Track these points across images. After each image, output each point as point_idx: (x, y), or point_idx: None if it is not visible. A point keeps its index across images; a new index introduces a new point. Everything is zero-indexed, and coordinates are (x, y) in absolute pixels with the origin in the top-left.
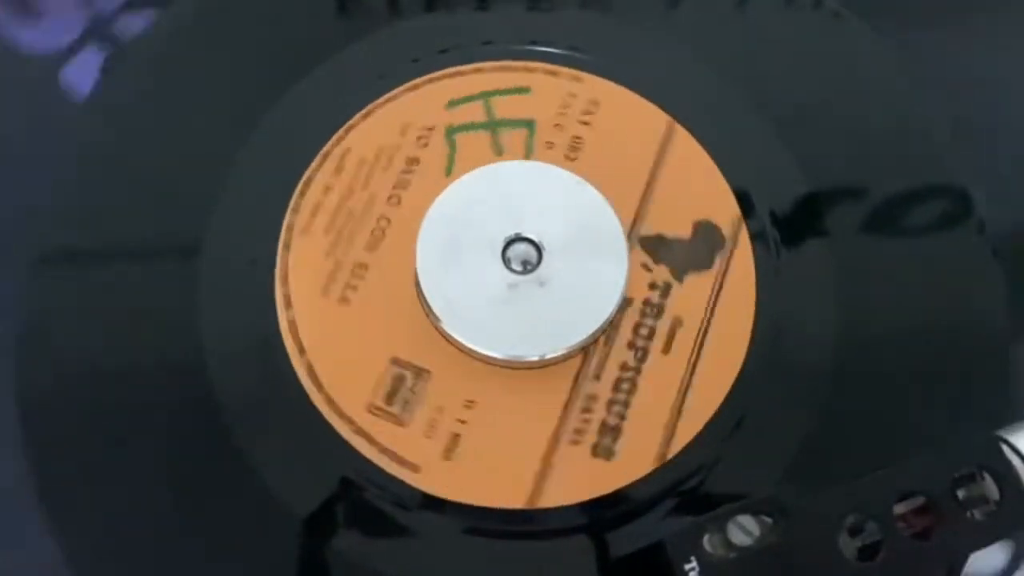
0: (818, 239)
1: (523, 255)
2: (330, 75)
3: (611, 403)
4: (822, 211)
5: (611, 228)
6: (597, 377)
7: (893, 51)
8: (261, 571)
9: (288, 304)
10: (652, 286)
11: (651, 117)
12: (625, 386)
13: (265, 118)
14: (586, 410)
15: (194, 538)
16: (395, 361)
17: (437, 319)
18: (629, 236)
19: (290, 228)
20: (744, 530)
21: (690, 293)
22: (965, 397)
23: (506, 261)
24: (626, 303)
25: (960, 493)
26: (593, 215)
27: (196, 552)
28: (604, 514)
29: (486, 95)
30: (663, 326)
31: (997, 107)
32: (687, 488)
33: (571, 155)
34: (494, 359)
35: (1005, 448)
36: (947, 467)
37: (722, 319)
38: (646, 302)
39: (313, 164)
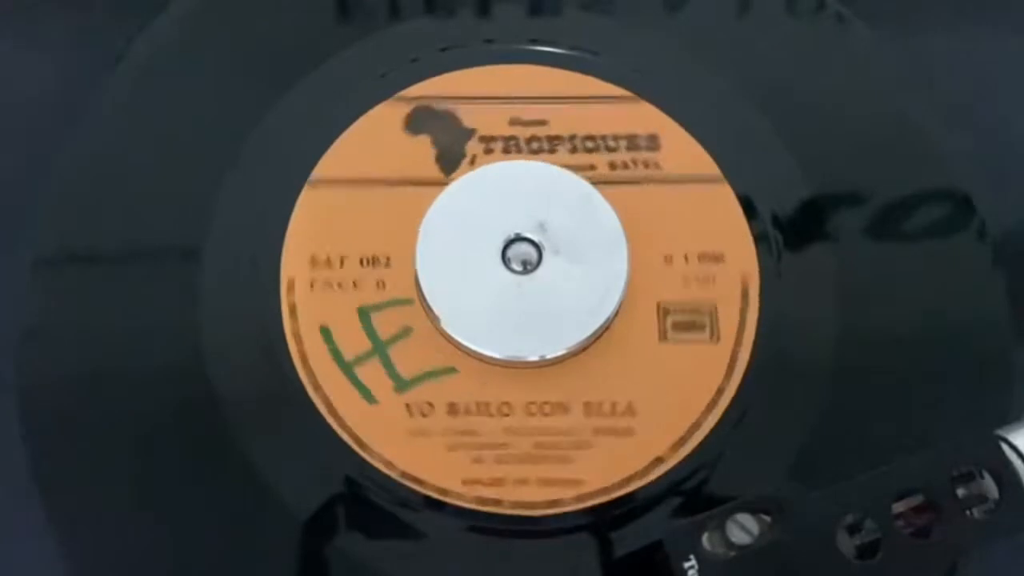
0: (820, 242)
1: (523, 255)
2: (330, 75)
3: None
4: (824, 214)
5: (611, 228)
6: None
7: (896, 55)
8: (261, 567)
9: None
10: None
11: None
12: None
13: (266, 118)
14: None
15: (194, 537)
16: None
17: (437, 319)
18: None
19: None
20: (743, 528)
21: None
22: (965, 398)
23: (506, 261)
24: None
25: (959, 491)
26: (594, 216)
27: (196, 552)
28: (606, 514)
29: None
30: None
31: (999, 111)
32: (688, 488)
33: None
34: (494, 359)
35: (1004, 447)
36: (946, 465)
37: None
38: None
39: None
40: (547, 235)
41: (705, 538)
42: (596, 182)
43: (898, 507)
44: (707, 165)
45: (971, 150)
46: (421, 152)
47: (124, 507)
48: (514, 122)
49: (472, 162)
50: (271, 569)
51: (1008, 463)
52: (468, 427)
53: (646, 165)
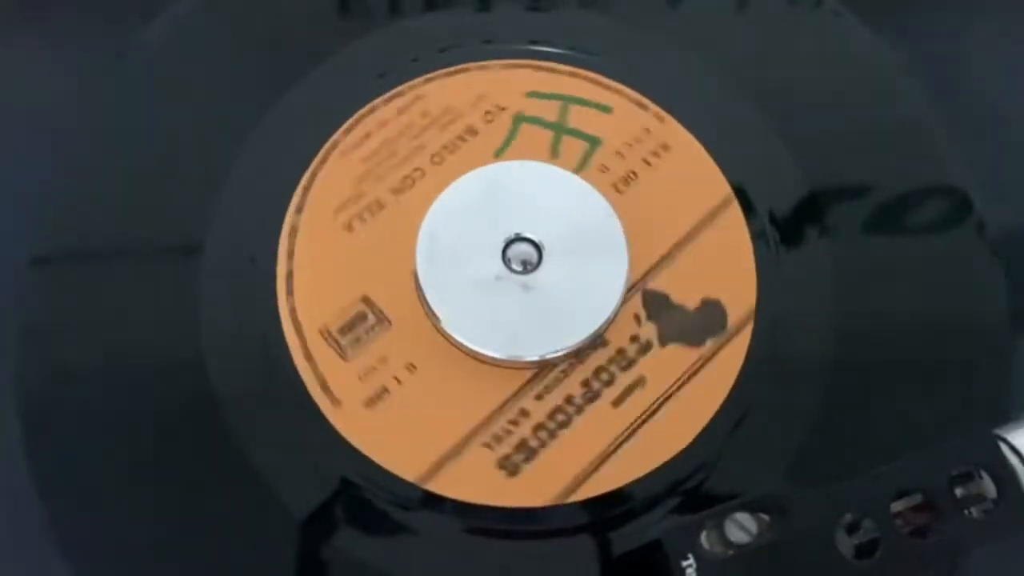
0: (818, 238)
1: (523, 255)
2: (331, 74)
3: (539, 427)
4: (822, 210)
5: (612, 229)
6: (539, 397)
7: (893, 51)
8: (261, 564)
9: (299, 209)
10: (633, 338)
11: (714, 182)
12: (560, 417)
13: (266, 117)
14: (513, 422)
15: (194, 537)
16: (365, 300)
17: (437, 318)
18: (635, 284)
19: (333, 146)
20: (742, 528)
21: (667, 361)
22: (964, 396)
23: (506, 261)
24: (601, 342)
25: (958, 491)
26: (594, 216)
27: (197, 551)
28: (605, 513)
29: (567, 99)
30: (625, 379)
31: (997, 106)
32: (688, 487)
33: (620, 187)
34: (493, 359)
35: (1003, 447)
36: (945, 465)
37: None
38: (620, 351)
39: (382, 97)
40: (547, 235)
41: (704, 537)
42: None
43: (897, 506)
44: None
45: (969, 146)
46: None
47: (123, 507)
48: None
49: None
50: (270, 562)
51: (1006, 463)
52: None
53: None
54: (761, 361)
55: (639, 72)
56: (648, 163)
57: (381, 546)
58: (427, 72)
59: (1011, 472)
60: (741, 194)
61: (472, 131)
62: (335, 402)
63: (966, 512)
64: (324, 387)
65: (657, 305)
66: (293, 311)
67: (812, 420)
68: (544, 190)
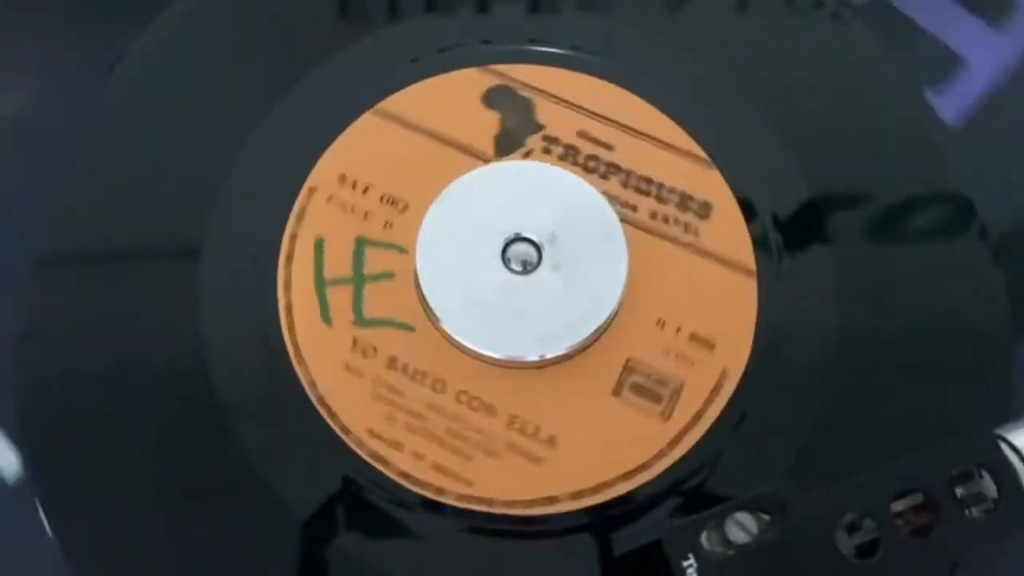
0: (820, 243)
1: (523, 255)
2: (331, 74)
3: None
4: (824, 215)
5: (611, 229)
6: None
7: (894, 54)
8: (261, 565)
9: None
10: None
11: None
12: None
13: (266, 117)
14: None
15: (195, 537)
16: None
17: (437, 319)
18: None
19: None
20: (742, 527)
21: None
22: (964, 398)
23: (506, 261)
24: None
25: (958, 491)
26: (594, 216)
27: (197, 551)
28: (606, 513)
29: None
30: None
31: (1000, 110)
32: (688, 488)
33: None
34: (493, 359)
35: (1003, 446)
36: (945, 465)
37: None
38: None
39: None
40: (547, 235)
41: (704, 537)
42: (629, 223)
43: (897, 506)
44: (746, 254)
45: (972, 150)
46: (484, 125)
47: (123, 507)
48: (582, 135)
49: (527, 155)
50: (272, 567)
51: (1007, 462)
52: (397, 385)
53: (686, 229)
54: (762, 362)
55: (639, 73)
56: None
57: (381, 546)
58: (427, 72)
59: (1012, 472)
60: (742, 198)
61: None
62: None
63: (967, 512)
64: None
65: None
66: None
67: (813, 421)
68: (545, 190)
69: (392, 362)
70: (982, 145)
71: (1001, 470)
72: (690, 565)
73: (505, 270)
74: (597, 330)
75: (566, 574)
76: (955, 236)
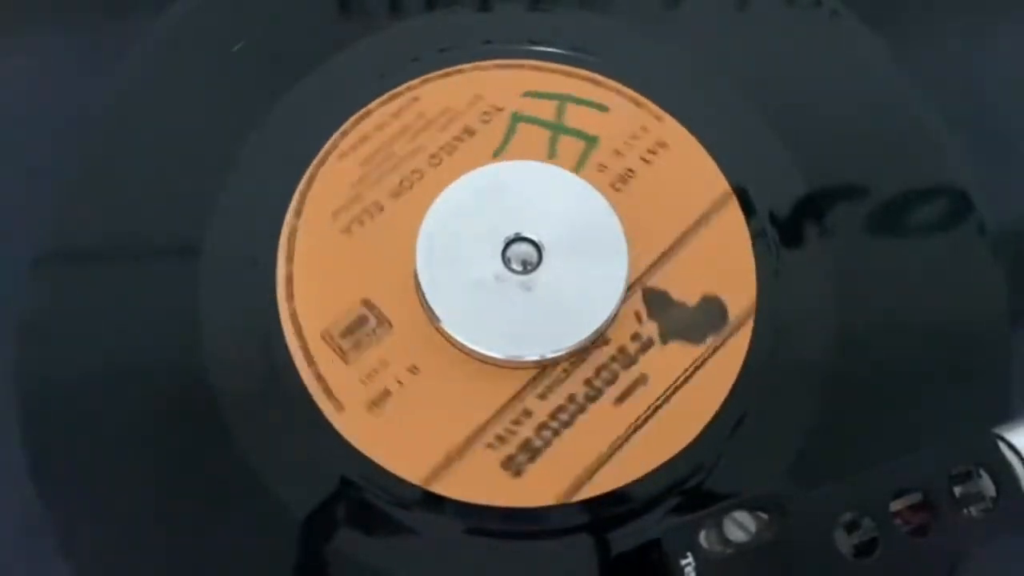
0: (818, 239)
1: (523, 255)
2: (331, 75)
3: (542, 426)
4: (822, 211)
5: (611, 229)
6: (542, 396)
7: (893, 51)
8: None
9: (298, 212)
10: (635, 336)
11: (712, 179)
12: (563, 416)
13: (266, 118)
14: (516, 422)
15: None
16: (365, 302)
17: (437, 319)
18: (635, 283)
19: (330, 150)
20: (741, 526)
21: (668, 358)
22: (963, 397)
23: (506, 261)
24: (602, 340)
25: (957, 490)
26: (594, 216)
27: (197, 551)
28: (606, 513)
29: (564, 98)
30: (627, 377)
31: (998, 106)
32: (688, 487)
33: (618, 185)
34: (493, 359)
35: (1002, 446)
36: (944, 464)
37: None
38: (621, 349)
39: (379, 99)
40: (547, 235)
41: (702, 536)
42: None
43: (896, 505)
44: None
45: (970, 146)
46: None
47: (123, 506)
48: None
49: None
50: (271, 569)
51: (1006, 462)
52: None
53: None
54: (761, 361)
55: (639, 72)
56: (646, 161)
57: (382, 546)
58: (425, 73)
59: (1010, 471)
60: (741, 193)
61: (470, 131)
62: (337, 405)
63: (965, 511)
64: (326, 390)
65: (658, 303)
66: (294, 314)
67: (812, 420)
68: (544, 190)
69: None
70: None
71: (1000, 470)
72: (688, 564)
73: (505, 270)
74: (597, 330)
75: (566, 573)
76: (954, 233)
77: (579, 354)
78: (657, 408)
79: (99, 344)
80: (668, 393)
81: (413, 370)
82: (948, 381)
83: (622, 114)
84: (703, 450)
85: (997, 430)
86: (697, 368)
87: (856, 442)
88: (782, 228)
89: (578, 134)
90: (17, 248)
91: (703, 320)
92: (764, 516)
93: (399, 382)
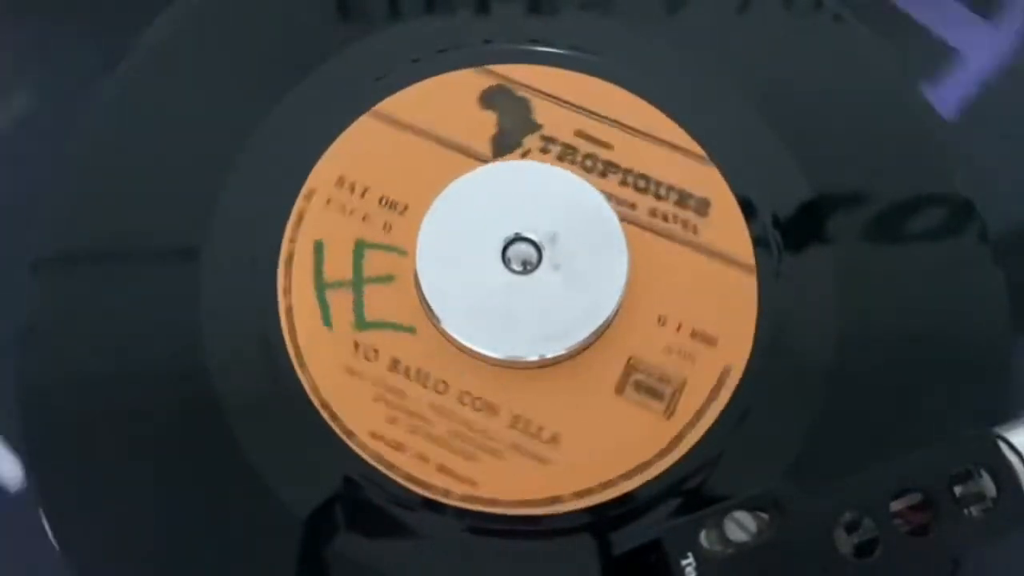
0: (820, 243)
1: (523, 255)
2: (330, 75)
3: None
4: (824, 215)
5: (611, 228)
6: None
7: (895, 55)
8: (261, 565)
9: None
10: None
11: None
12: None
13: (266, 118)
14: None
15: (195, 537)
16: None
17: (437, 319)
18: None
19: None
20: (741, 526)
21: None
22: (964, 397)
23: (506, 261)
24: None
25: (957, 490)
26: (593, 215)
27: (197, 551)
28: (607, 513)
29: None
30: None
31: (1000, 110)
32: (689, 488)
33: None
34: (494, 359)
35: (1002, 445)
36: (944, 464)
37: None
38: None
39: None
40: (547, 235)
41: (703, 536)
42: (628, 221)
43: (896, 505)
44: (745, 252)
45: (971, 150)
46: (482, 126)
47: (123, 507)
48: (579, 134)
49: (525, 155)
50: (272, 568)
51: (1006, 462)
52: (399, 387)
53: (685, 227)
54: (762, 362)
55: (639, 74)
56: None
57: (381, 546)
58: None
59: (1011, 471)
60: (741, 196)
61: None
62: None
63: (965, 511)
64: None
65: None
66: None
67: (812, 421)
68: (544, 190)
69: (394, 364)
70: (983, 144)
71: (1000, 469)
72: (689, 564)
73: (505, 270)
74: (597, 330)
75: (567, 574)
76: (955, 235)
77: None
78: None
79: (98, 345)
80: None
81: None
82: (948, 382)
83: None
84: (703, 450)
85: (997, 430)
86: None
87: (856, 443)
88: (783, 231)
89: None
90: (18, 250)
91: None
92: (764, 516)
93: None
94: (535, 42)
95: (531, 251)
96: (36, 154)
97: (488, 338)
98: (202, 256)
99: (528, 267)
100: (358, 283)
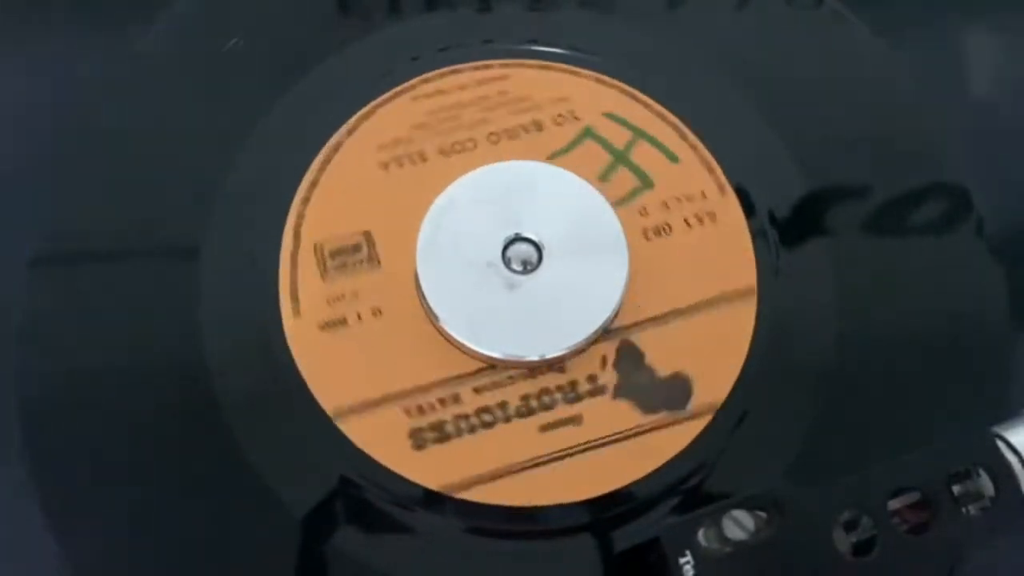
0: (818, 238)
1: (523, 255)
2: (331, 74)
3: (462, 417)
4: (822, 210)
5: (611, 228)
6: (478, 391)
7: (892, 51)
8: (261, 568)
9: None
10: (591, 378)
11: (743, 268)
12: (486, 417)
13: (265, 117)
14: (441, 402)
15: (195, 536)
16: (366, 235)
17: (437, 319)
18: (619, 330)
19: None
20: (739, 525)
21: (611, 413)
22: (962, 395)
23: (506, 261)
24: (559, 367)
25: (956, 489)
26: (593, 215)
27: (197, 551)
28: (606, 512)
29: (640, 133)
30: (563, 411)
31: (997, 106)
32: (688, 487)
33: (650, 235)
34: (494, 359)
35: (1001, 444)
36: (943, 463)
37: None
38: (572, 383)
39: (469, 63)
40: (547, 235)
41: (701, 534)
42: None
43: (894, 504)
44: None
45: (969, 145)
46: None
47: (123, 506)
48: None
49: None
50: (271, 566)
51: (1004, 461)
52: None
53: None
54: (762, 361)
55: (639, 70)
56: (688, 224)
57: (380, 546)
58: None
59: (1009, 470)
60: (742, 195)
61: (538, 126)
62: (295, 309)
63: (964, 510)
64: (296, 309)
65: (629, 358)
66: (298, 226)
67: (811, 420)
68: (544, 190)
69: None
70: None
71: (999, 468)
72: (687, 563)
73: (505, 270)
74: (597, 330)
75: (566, 573)
76: (954, 232)
77: (533, 370)
78: (576, 452)
79: (98, 344)
80: (596, 443)
81: (376, 312)
82: (948, 381)
83: (689, 171)
84: (703, 450)
85: (996, 429)
86: (636, 435)
87: (856, 442)
88: (782, 227)
89: (638, 171)
90: (16, 248)
91: (663, 394)
92: (763, 515)
93: (359, 317)
94: (536, 41)
95: (531, 251)
96: (35, 153)
97: (488, 338)
98: (202, 255)
99: (528, 267)
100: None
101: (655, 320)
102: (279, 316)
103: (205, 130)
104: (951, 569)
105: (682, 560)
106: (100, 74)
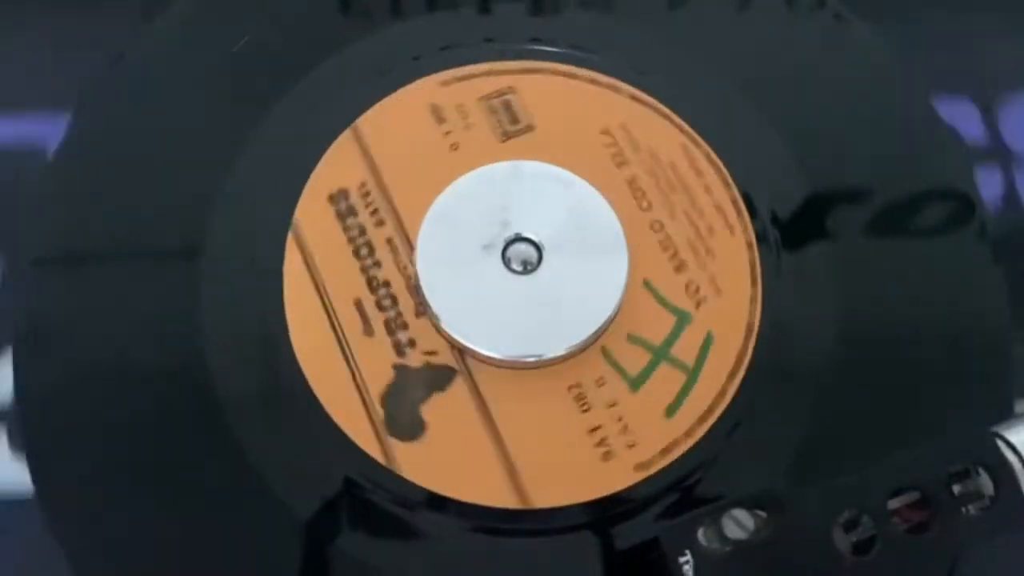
0: (819, 240)
1: (523, 255)
2: (331, 74)
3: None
4: (823, 212)
5: (611, 228)
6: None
7: (895, 53)
8: (262, 568)
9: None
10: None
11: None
12: None
13: (266, 117)
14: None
15: (196, 537)
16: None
17: (437, 319)
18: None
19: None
20: (739, 524)
21: None
22: (962, 395)
23: (506, 261)
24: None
25: (955, 488)
26: (593, 215)
27: (198, 551)
28: (605, 512)
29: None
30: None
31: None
32: (687, 486)
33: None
34: (493, 359)
35: (1001, 444)
36: (942, 462)
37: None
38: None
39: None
40: (547, 235)
41: (701, 534)
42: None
43: (894, 504)
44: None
45: (970, 147)
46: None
47: (124, 507)
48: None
49: None
50: (273, 567)
51: (1004, 460)
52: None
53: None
54: (762, 360)
55: (640, 73)
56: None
57: (383, 546)
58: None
59: (1009, 470)
60: (743, 196)
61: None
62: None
63: (964, 510)
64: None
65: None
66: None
67: (811, 420)
68: (544, 190)
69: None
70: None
71: (998, 468)
72: (687, 562)
73: (505, 270)
74: (597, 330)
75: (566, 573)
76: (955, 234)
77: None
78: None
79: (98, 344)
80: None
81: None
82: (948, 381)
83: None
84: (703, 449)
85: (996, 428)
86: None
87: (855, 442)
88: (783, 229)
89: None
90: (17, 248)
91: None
92: (762, 514)
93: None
94: (537, 41)
95: (531, 251)
96: (35, 153)
97: (488, 338)
98: (203, 256)
99: (528, 267)
100: None
101: None
102: (280, 316)
103: (206, 130)
104: (951, 569)
105: (682, 560)
106: (100, 74)
